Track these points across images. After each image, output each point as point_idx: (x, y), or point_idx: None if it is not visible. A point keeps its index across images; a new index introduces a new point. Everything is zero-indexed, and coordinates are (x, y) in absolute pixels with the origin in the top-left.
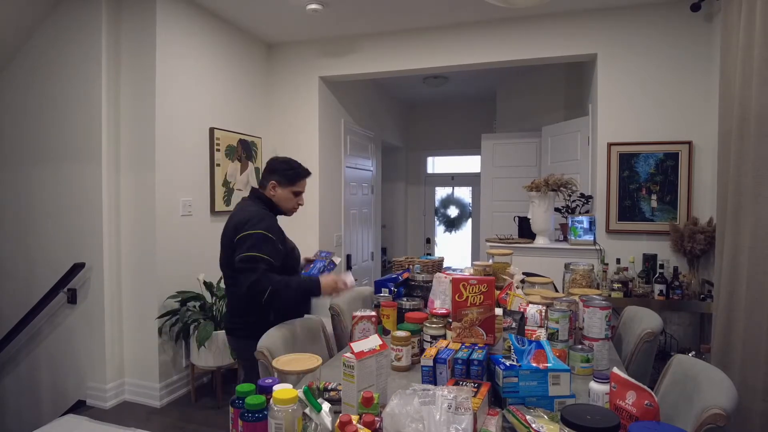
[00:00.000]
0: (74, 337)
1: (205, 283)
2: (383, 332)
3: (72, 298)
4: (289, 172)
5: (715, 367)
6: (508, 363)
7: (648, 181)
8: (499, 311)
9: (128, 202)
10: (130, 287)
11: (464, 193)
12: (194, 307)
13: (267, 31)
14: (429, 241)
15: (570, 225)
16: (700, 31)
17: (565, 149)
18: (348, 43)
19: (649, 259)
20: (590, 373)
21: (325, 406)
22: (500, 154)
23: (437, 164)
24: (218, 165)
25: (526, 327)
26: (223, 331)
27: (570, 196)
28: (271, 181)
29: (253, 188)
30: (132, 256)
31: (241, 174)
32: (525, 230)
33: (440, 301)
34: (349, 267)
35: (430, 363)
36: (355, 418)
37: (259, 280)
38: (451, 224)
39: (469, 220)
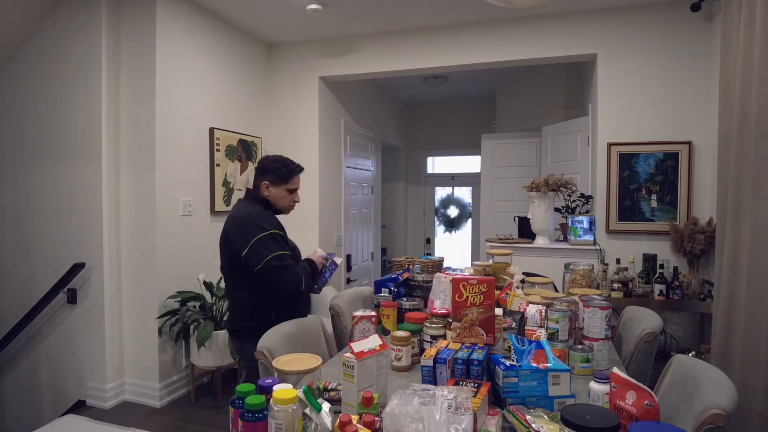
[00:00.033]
0: (74, 337)
1: (205, 283)
2: (383, 332)
3: (72, 298)
4: (281, 170)
5: (715, 367)
6: (508, 363)
7: (648, 181)
8: (499, 311)
9: (128, 202)
10: (130, 287)
11: (464, 193)
12: (194, 307)
13: (267, 31)
14: (429, 241)
15: (570, 225)
16: (700, 31)
17: (565, 149)
18: (348, 43)
19: (649, 259)
20: (590, 373)
21: (325, 406)
22: (500, 154)
23: (437, 164)
24: (218, 165)
25: (526, 327)
26: (223, 331)
27: (570, 196)
28: (264, 181)
29: (247, 189)
30: (132, 256)
31: (241, 174)
32: (525, 230)
33: (440, 301)
34: (349, 267)
35: (430, 363)
36: (355, 418)
37: (299, 276)
38: (451, 224)
39: (469, 220)
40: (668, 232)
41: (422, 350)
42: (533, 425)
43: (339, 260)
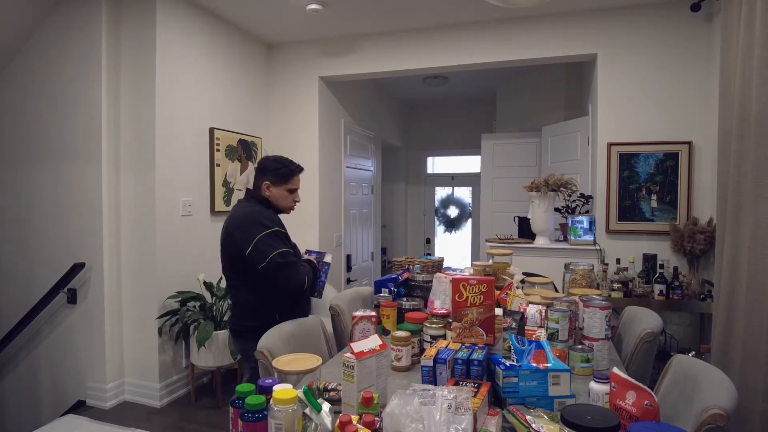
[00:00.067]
0: (74, 337)
1: (205, 283)
2: (383, 332)
3: (72, 298)
4: (281, 171)
5: (715, 367)
6: (508, 363)
7: (648, 181)
8: (499, 311)
9: (128, 202)
10: (130, 287)
11: (464, 193)
12: (194, 307)
13: (267, 31)
14: (429, 241)
15: (570, 225)
16: (700, 31)
17: (565, 149)
18: (348, 43)
19: (649, 259)
20: (590, 373)
21: (325, 406)
22: (500, 154)
23: (437, 164)
24: (218, 165)
25: (526, 327)
26: (223, 331)
27: (570, 196)
28: (265, 182)
29: (248, 189)
30: (132, 256)
31: (241, 174)
32: (525, 230)
33: (440, 301)
34: (349, 267)
35: (430, 363)
36: (355, 418)
37: (303, 273)
38: (451, 224)
39: (469, 220)
40: (668, 232)
41: (422, 350)
42: (533, 425)
43: (329, 257)
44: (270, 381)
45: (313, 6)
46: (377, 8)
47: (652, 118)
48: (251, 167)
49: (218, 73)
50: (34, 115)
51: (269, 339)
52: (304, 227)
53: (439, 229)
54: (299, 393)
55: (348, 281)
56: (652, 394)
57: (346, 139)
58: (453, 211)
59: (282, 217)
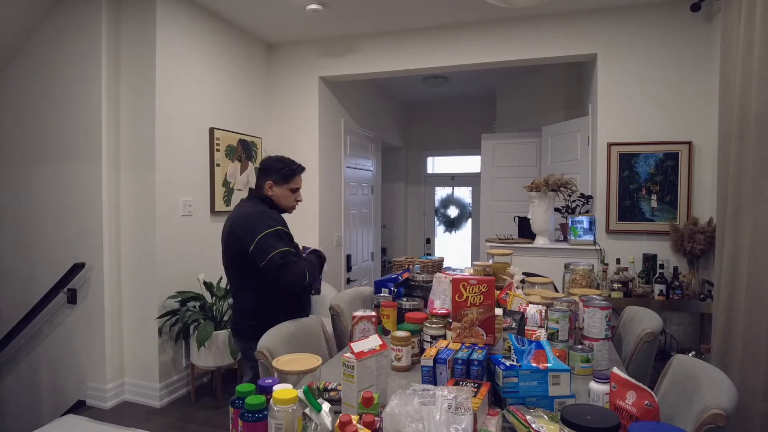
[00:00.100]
0: (74, 337)
1: (205, 283)
2: (383, 332)
3: (72, 298)
4: (284, 170)
5: (715, 367)
6: (508, 363)
7: (648, 181)
8: (499, 311)
9: (128, 202)
10: (130, 287)
11: (464, 193)
12: (194, 307)
13: (267, 31)
14: (429, 241)
15: (570, 225)
16: (700, 31)
17: (565, 149)
18: (348, 43)
19: (649, 259)
20: (590, 373)
21: (325, 406)
22: (500, 154)
23: (437, 164)
24: (218, 165)
25: (526, 327)
26: (223, 331)
27: (570, 196)
28: (268, 182)
29: (251, 189)
30: (132, 256)
31: (241, 174)
32: (525, 230)
33: (440, 301)
34: (349, 267)
35: (430, 363)
36: (355, 418)
37: (302, 273)
38: (451, 224)
39: (469, 220)
40: (668, 232)
41: (422, 350)
42: (533, 425)
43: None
44: (270, 381)
45: (313, 6)
46: (377, 8)
47: (652, 118)
48: (251, 167)
49: (218, 73)
50: (34, 115)
51: (269, 339)
52: (304, 227)
53: (439, 229)
54: (299, 393)
55: (348, 281)
56: (652, 394)
57: (346, 139)
58: (453, 211)
59: (283, 216)
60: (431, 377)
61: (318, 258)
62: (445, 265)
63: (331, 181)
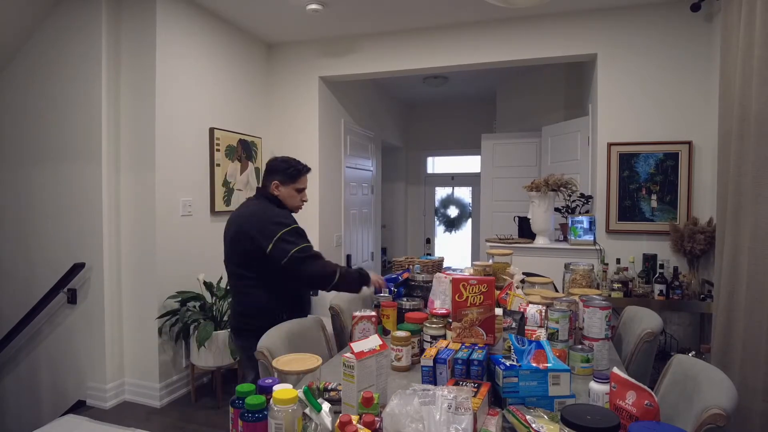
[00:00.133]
0: (74, 337)
1: (205, 283)
2: (383, 332)
3: (72, 298)
4: (290, 171)
5: (715, 367)
6: (508, 363)
7: (648, 181)
8: (499, 311)
9: (128, 202)
10: (130, 287)
11: (464, 193)
12: (194, 307)
13: (267, 31)
14: (429, 241)
15: (570, 225)
16: (700, 31)
17: (565, 149)
18: (348, 43)
19: (649, 259)
20: (590, 373)
21: (325, 406)
22: (500, 154)
23: (437, 164)
24: (218, 165)
25: (526, 327)
26: (223, 331)
27: (570, 196)
28: (274, 182)
29: (258, 188)
30: (132, 256)
31: (241, 174)
32: (525, 230)
33: (440, 301)
34: (349, 267)
35: (430, 363)
36: (355, 418)
37: (325, 266)
38: (451, 224)
39: (469, 220)
40: (668, 232)
41: (422, 350)
42: (533, 425)
43: (386, 293)
44: (270, 381)
45: (313, 6)
46: (377, 8)
47: (652, 118)
48: (251, 167)
49: (218, 73)
50: (34, 115)
51: (269, 339)
52: (304, 227)
53: (439, 229)
54: (299, 393)
55: None
56: (652, 394)
57: (346, 139)
58: (453, 211)
59: None
60: (431, 377)
61: (359, 275)
62: (445, 265)
63: (331, 181)
